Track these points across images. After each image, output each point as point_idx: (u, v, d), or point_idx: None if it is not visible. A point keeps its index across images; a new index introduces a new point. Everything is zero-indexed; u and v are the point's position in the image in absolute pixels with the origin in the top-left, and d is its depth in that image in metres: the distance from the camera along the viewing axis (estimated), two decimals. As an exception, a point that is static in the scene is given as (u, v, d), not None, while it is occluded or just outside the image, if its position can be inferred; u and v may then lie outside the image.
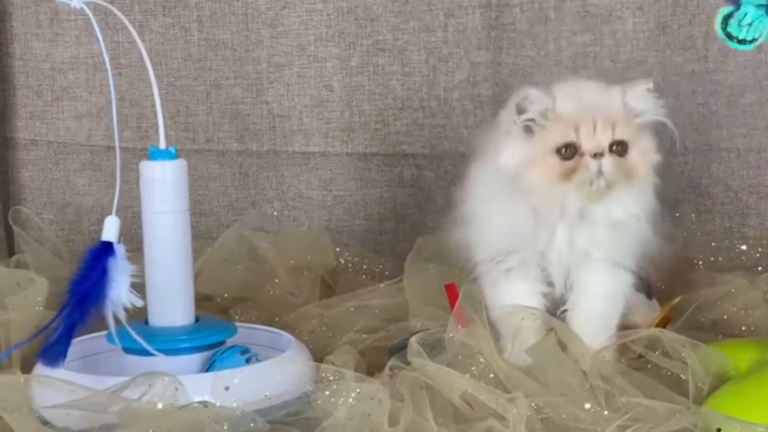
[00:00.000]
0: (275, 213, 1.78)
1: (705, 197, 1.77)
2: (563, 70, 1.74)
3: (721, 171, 1.75)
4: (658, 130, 1.34)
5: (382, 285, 1.62)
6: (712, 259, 1.71)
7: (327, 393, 1.17)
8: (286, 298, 1.60)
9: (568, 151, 1.28)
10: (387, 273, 1.71)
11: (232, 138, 1.83)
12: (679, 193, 1.75)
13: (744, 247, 1.72)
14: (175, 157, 1.34)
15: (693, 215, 1.74)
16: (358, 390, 1.17)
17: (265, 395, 1.20)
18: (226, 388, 1.19)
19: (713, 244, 1.73)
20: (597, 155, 1.27)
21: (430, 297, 1.49)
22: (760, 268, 1.67)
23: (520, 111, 1.29)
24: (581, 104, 1.29)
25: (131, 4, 1.80)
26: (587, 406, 1.18)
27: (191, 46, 1.81)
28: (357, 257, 1.74)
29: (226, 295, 1.64)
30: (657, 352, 1.31)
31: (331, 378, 1.21)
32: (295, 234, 1.75)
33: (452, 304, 1.36)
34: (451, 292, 1.39)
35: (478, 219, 1.36)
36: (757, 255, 1.71)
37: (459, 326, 1.33)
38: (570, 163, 1.28)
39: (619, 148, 1.28)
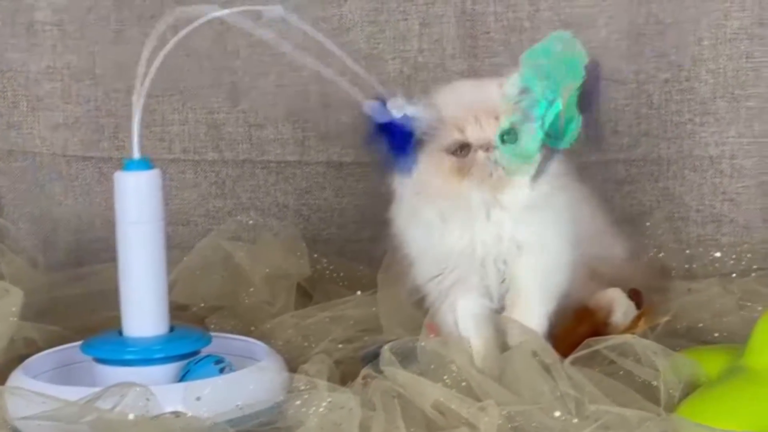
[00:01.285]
0: (251, 222, 1.79)
1: (679, 205, 1.78)
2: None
3: (695, 179, 1.76)
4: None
5: (359, 293, 1.63)
6: (686, 266, 1.72)
7: (298, 402, 1.18)
8: (261, 307, 1.61)
9: (461, 150, 1.32)
10: (364, 281, 1.71)
11: (208, 147, 1.83)
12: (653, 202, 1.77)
13: (718, 254, 1.73)
14: (149, 167, 1.35)
15: (665, 222, 1.75)
16: (329, 399, 1.17)
17: (237, 405, 1.21)
18: (198, 399, 1.19)
19: (688, 251, 1.74)
20: (488, 148, 1.31)
21: (402, 309, 1.50)
22: (734, 275, 1.68)
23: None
24: (462, 103, 1.33)
25: (107, 14, 1.81)
26: (557, 414, 1.18)
27: (167, 55, 1.81)
28: (334, 265, 1.75)
29: (202, 305, 1.64)
30: (630, 359, 1.32)
31: (302, 388, 1.21)
32: (271, 243, 1.75)
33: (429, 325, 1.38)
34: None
35: (407, 247, 1.40)
36: (731, 262, 1.72)
37: (431, 335, 1.34)
38: (465, 161, 1.31)
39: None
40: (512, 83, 1.34)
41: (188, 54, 1.80)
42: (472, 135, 1.32)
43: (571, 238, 1.38)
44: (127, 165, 1.34)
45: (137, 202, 1.33)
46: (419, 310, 1.43)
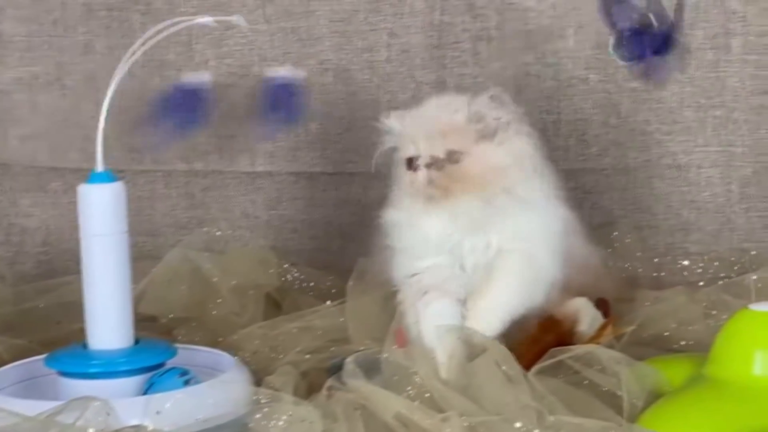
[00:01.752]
0: (219, 233, 1.79)
1: (647, 213, 1.78)
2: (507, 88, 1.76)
3: (663, 187, 1.77)
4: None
5: (328, 303, 1.63)
6: (654, 274, 1.73)
7: (258, 416, 1.18)
8: (229, 318, 1.61)
9: (412, 163, 1.37)
10: (334, 291, 1.71)
11: (178, 158, 1.83)
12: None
13: (686, 263, 1.74)
14: (113, 179, 1.35)
15: (633, 231, 1.76)
16: (290, 413, 1.18)
17: (198, 419, 1.21)
18: (158, 412, 1.19)
19: (656, 260, 1.75)
20: (427, 165, 1.35)
21: (370, 320, 1.50)
22: (701, 283, 1.68)
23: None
24: (422, 119, 1.38)
25: (75, 26, 1.81)
26: (518, 425, 1.19)
27: (136, 66, 1.81)
28: (304, 275, 1.75)
29: (171, 316, 1.64)
30: (594, 369, 1.33)
31: (264, 401, 1.21)
32: (240, 253, 1.75)
33: (397, 332, 1.38)
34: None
35: (397, 234, 1.41)
36: (699, 270, 1.73)
37: (397, 346, 1.35)
38: (412, 174, 1.36)
39: (454, 156, 1.35)
40: (480, 102, 1.37)
41: (157, 65, 1.81)
42: (420, 151, 1.36)
43: (558, 252, 1.40)
44: (91, 177, 1.34)
45: (101, 214, 1.33)
46: (390, 302, 1.45)
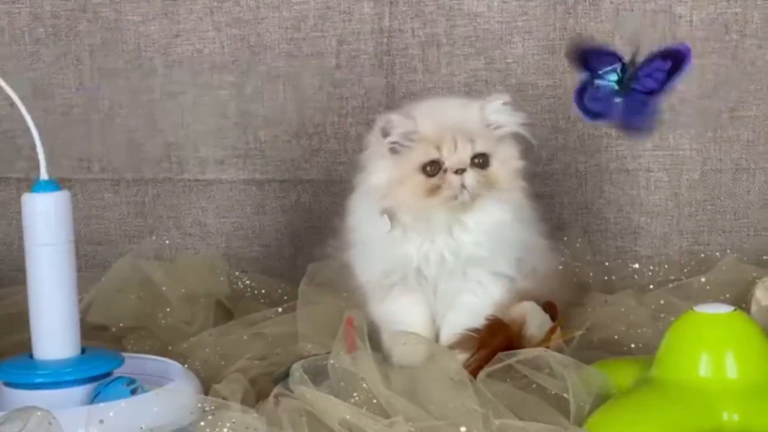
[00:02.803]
0: (167, 242, 1.78)
1: (598, 218, 1.79)
2: (457, 94, 1.76)
3: (613, 192, 1.78)
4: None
5: (279, 309, 1.63)
6: (605, 278, 1.73)
7: (202, 424, 1.17)
8: (179, 327, 1.60)
9: (432, 168, 1.35)
10: (286, 297, 1.71)
11: (127, 167, 1.82)
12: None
13: (636, 266, 1.75)
14: (57, 189, 1.34)
15: (584, 235, 1.77)
16: (233, 420, 1.17)
17: (141, 428, 1.20)
18: (101, 422, 1.18)
19: (606, 263, 1.76)
20: (459, 171, 1.34)
21: (321, 323, 1.50)
22: (651, 286, 1.69)
23: (385, 134, 1.37)
24: (441, 122, 1.37)
25: (21, 35, 1.80)
26: (463, 429, 1.19)
27: (84, 75, 1.81)
28: (255, 282, 1.74)
29: (121, 325, 1.63)
30: (544, 372, 1.33)
31: (207, 408, 1.21)
32: (190, 262, 1.75)
33: (347, 335, 1.38)
34: (349, 323, 1.40)
35: (359, 241, 1.42)
36: (649, 273, 1.74)
37: (347, 350, 1.35)
38: (434, 180, 1.35)
39: (481, 160, 1.36)
40: (493, 108, 1.38)
41: (105, 73, 1.80)
42: (447, 155, 1.34)
43: (518, 262, 1.43)
44: (35, 186, 1.33)
45: (45, 223, 1.32)
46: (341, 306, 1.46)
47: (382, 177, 1.37)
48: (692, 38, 1.72)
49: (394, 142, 1.36)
